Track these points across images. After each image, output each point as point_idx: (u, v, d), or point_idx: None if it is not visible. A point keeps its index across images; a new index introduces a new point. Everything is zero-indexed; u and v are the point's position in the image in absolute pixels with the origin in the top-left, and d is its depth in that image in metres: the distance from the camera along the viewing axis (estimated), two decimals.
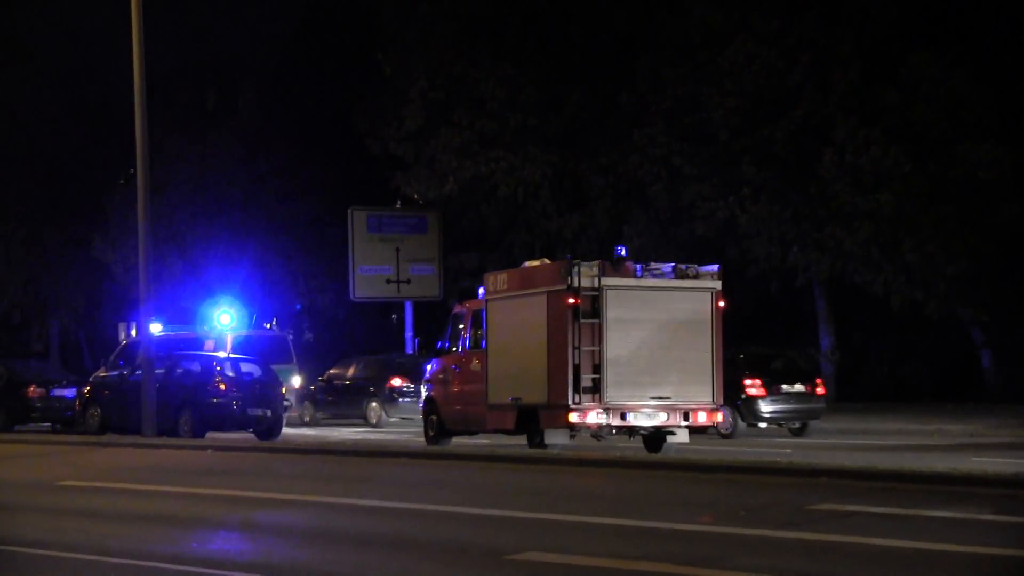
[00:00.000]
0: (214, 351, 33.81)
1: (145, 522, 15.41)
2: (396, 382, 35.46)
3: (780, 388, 29.27)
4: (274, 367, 34.31)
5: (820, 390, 29.85)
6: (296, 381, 35.71)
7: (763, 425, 29.55)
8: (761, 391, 29.10)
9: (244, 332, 36.08)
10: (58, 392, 34.34)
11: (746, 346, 30.57)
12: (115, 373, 31.15)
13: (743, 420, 29.15)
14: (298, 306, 51.39)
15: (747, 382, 29.09)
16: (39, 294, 54.98)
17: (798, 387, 29.48)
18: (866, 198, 35.66)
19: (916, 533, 13.17)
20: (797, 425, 29.66)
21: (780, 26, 37.05)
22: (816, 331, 41.26)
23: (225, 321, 35.91)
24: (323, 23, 51.01)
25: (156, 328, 36.52)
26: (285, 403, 31.19)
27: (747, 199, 37.17)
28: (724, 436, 28.29)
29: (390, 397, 35.38)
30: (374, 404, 35.64)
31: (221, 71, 51.77)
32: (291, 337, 39.30)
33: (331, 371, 37.77)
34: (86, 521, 15.53)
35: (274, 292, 49.57)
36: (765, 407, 29.08)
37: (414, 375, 33.53)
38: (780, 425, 29.76)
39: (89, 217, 50.35)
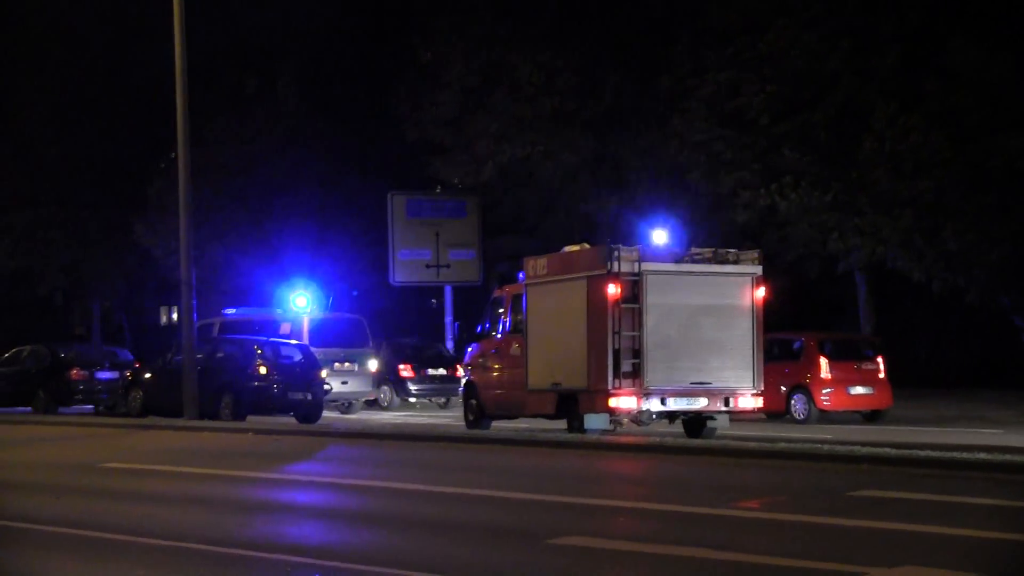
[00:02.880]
0: (290, 335, 33.92)
1: (186, 504, 15.51)
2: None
3: (426, 372, 37.94)
4: (352, 351, 34.50)
5: (459, 373, 32.50)
6: (373, 365, 35.76)
7: (413, 400, 37.84)
8: (411, 373, 37.78)
9: (321, 315, 36.14)
10: (101, 375, 34.56)
11: (394, 338, 39.97)
12: (202, 356, 30.16)
13: (397, 396, 37.79)
14: (355, 292, 51.55)
15: (400, 366, 37.70)
16: (80, 277, 55.30)
17: (441, 371, 37.97)
18: (906, 184, 35.45)
19: (958, 520, 13.11)
20: (443, 400, 37.79)
21: (820, 11, 36.85)
22: (857, 317, 41.07)
23: (301, 304, 36.02)
24: (362, 8, 51.06)
25: (230, 310, 36.75)
26: (325, 387, 31.26)
27: (787, 185, 37.02)
28: (384, 408, 37.24)
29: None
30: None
31: (261, 55, 51.88)
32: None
33: None
34: (128, 503, 15.65)
35: (313, 276, 49.70)
36: (413, 386, 37.74)
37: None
38: (430, 400, 37.95)
39: (130, 201, 50.58)
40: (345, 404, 35.34)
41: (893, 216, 35.82)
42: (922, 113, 35.47)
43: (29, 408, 34.53)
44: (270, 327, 34.84)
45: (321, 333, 34.56)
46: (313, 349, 32.97)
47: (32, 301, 57.79)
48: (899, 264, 37.21)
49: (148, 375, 31.67)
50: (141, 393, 31.32)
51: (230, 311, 38.42)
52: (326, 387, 31.27)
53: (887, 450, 18.47)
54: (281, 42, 51.07)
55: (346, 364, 34.79)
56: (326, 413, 33.35)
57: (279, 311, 36.20)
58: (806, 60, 36.70)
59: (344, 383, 34.61)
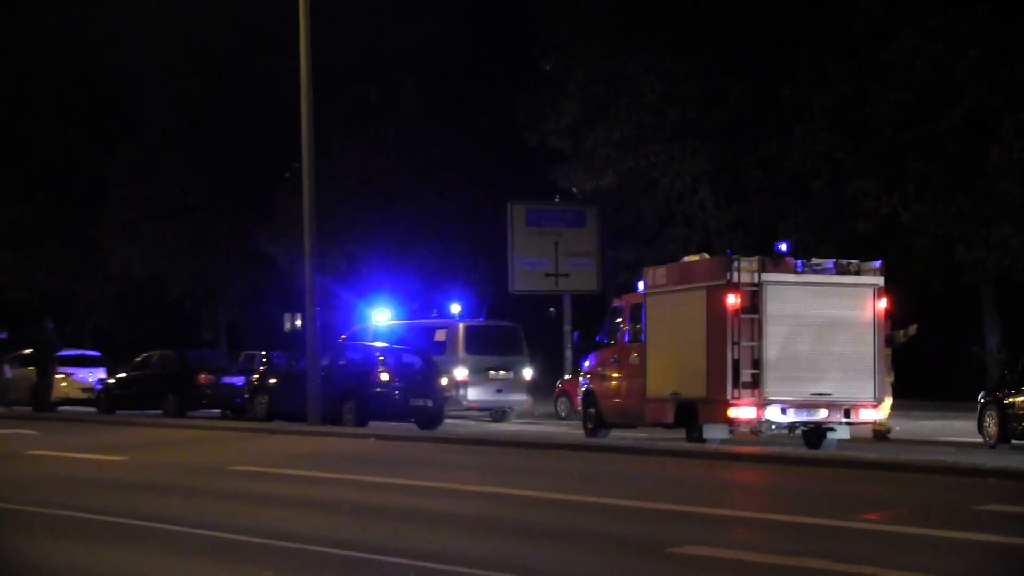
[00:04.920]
0: (445, 343, 34.21)
1: (311, 508, 15.79)
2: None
3: None
4: (507, 359, 34.61)
5: None
6: (528, 373, 35.71)
7: None
8: None
9: (477, 323, 36.28)
10: (228, 380, 35.21)
11: None
12: (326, 363, 30.43)
13: None
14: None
15: None
16: (207, 285, 56.37)
17: None
18: None
19: None
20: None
21: (948, 20, 36.36)
22: (982, 330, 40.41)
23: (382, 319, 36.26)
24: (483, 18, 51.44)
25: (383, 317, 37.06)
26: (446, 394, 31.50)
27: (911, 196, 36.57)
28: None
29: None
30: None
31: (383, 66, 52.47)
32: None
33: None
34: (255, 505, 15.95)
35: (432, 285, 50.12)
36: None
37: None
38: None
39: (254, 211, 51.45)
40: (498, 413, 35.34)
41: (1021, 227, 35.22)
42: None
43: (159, 411, 35.32)
44: (424, 334, 35.00)
45: (477, 341, 34.69)
46: (469, 357, 33.03)
47: (162, 308, 59.05)
48: None
49: (273, 380, 32.22)
50: (267, 398, 31.87)
51: (383, 317, 38.73)
52: (447, 395, 31.51)
53: (1012, 464, 18.22)
54: (403, 53, 51.60)
55: (501, 372, 34.74)
56: (470, 423, 33.58)
57: (436, 316, 36.39)
58: (932, 69, 36.24)
59: (499, 391, 34.58)
